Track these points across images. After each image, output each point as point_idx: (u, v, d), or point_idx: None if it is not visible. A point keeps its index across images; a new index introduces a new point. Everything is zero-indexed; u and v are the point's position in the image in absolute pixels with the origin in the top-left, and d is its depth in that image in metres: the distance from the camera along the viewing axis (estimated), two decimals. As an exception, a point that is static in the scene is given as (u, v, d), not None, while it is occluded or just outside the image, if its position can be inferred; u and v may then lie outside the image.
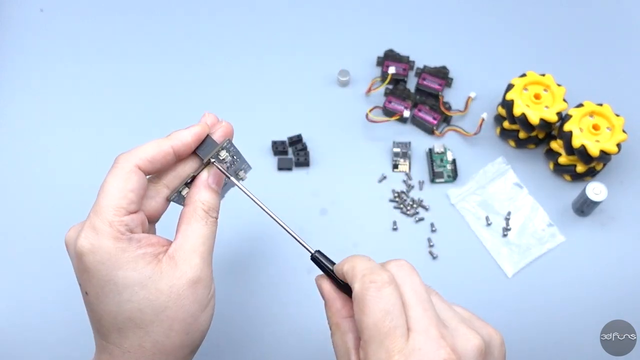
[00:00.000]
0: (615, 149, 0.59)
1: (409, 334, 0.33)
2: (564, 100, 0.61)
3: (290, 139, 0.65)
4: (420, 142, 0.66)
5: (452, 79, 0.70)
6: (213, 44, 0.73)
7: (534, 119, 0.60)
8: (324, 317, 0.38)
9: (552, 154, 0.64)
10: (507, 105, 0.62)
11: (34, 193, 0.64)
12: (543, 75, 0.63)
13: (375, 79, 0.69)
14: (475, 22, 0.75)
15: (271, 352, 0.57)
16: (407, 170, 0.65)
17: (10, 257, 0.61)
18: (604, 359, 0.55)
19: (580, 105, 0.61)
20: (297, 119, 0.67)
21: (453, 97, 0.69)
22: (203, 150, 0.40)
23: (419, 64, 0.70)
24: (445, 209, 0.63)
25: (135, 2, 0.75)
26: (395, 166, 0.65)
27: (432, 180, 0.64)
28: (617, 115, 0.60)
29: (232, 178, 0.41)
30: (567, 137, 0.60)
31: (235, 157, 0.42)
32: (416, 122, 0.67)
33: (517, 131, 0.64)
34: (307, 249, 0.39)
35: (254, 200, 0.40)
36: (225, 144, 0.41)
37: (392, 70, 0.68)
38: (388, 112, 0.67)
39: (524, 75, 0.63)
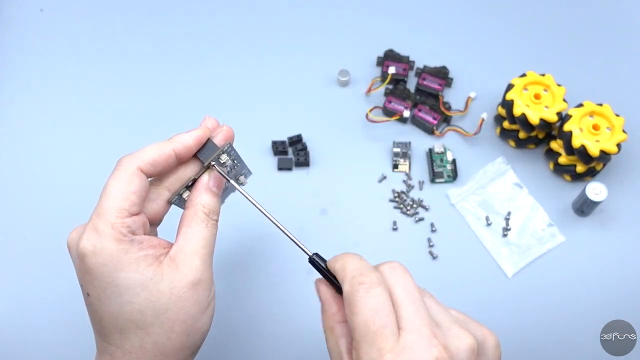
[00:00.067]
0: (615, 149, 0.59)
1: (401, 333, 0.33)
2: (564, 100, 0.61)
3: (290, 139, 0.65)
4: (420, 142, 0.66)
5: (452, 79, 0.70)
6: (213, 44, 0.73)
7: (534, 119, 0.60)
8: (323, 317, 0.38)
9: (552, 154, 0.64)
10: (507, 105, 0.62)
11: (34, 193, 0.64)
12: (543, 75, 0.63)
13: (375, 79, 0.69)
14: (475, 22, 0.75)
15: (271, 352, 0.57)
16: (407, 170, 0.65)
17: (10, 257, 0.61)
18: (604, 359, 0.56)
19: (580, 105, 0.61)
20: (297, 119, 0.67)
21: (453, 97, 0.69)
22: (204, 154, 0.40)
23: (419, 64, 0.70)
24: (445, 209, 0.63)
25: (135, 2, 0.75)
26: (395, 166, 0.65)
27: (432, 180, 0.64)
28: (617, 115, 0.60)
29: (231, 181, 0.41)
30: (567, 137, 0.60)
31: (235, 161, 0.42)
32: (416, 122, 0.67)
33: (517, 131, 0.64)
34: (305, 251, 0.39)
35: (253, 204, 0.41)
36: (226, 147, 0.41)
37: (392, 70, 0.68)
38: (388, 112, 0.67)
39: (524, 75, 0.63)
